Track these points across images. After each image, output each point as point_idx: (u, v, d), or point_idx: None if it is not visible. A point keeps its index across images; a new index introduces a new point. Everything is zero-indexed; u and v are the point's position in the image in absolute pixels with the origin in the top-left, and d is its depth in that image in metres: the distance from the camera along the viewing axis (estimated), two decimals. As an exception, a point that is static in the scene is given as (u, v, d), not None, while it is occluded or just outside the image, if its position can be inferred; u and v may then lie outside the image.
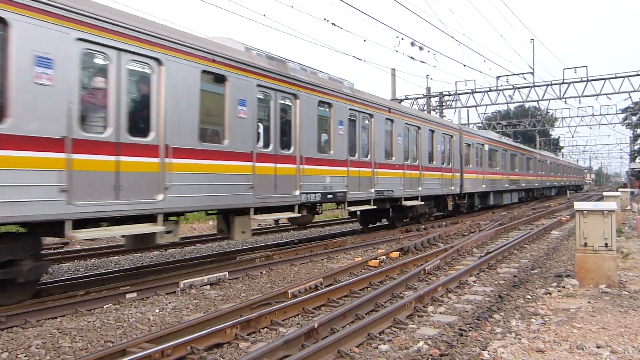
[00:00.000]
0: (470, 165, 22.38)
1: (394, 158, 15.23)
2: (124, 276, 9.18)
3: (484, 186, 23.83)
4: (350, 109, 13.10)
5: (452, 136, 20.40)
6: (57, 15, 6.62)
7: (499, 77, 32.68)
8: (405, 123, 16.18)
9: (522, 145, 38.26)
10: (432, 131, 18.39)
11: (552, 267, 9.95)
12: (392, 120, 15.32)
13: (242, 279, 9.09)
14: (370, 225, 17.59)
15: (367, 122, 14.08)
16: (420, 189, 16.89)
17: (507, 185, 28.53)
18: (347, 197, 12.86)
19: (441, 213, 20.92)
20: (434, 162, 18.35)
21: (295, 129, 11.13)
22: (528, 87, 32.17)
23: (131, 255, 12.36)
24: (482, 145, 24.37)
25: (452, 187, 19.93)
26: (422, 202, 17.15)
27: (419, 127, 17.14)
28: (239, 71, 9.54)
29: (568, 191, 56.35)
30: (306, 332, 5.32)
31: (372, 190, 13.80)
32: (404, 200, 15.81)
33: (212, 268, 9.79)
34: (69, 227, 6.83)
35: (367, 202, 13.91)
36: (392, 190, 14.89)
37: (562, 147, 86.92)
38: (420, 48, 23.03)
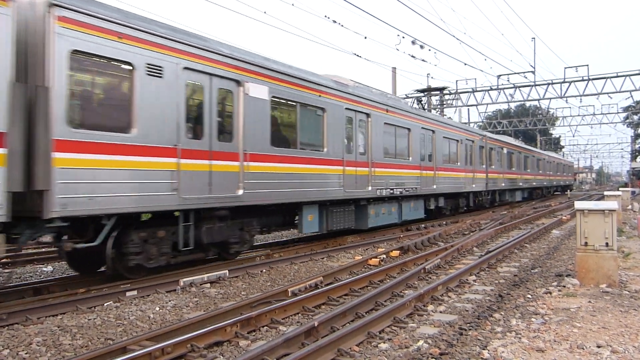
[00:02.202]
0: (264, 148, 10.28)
1: None
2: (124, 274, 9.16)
3: (315, 189, 11.57)
4: None
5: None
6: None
7: (500, 75, 32.75)
8: None
9: (455, 123, 23.68)
10: None
11: (553, 267, 9.95)
12: None
13: (243, 278, 9.10)
14: None
15: None
16: None
17: (397, 187, 15.45)
18: None
19: None
20: None
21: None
22: (529, 86, 32.18)
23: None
24: (294, 103, 11.15)
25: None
26: None
27: None
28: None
29: (567, 191, 55.99)
30: (306, 331, 5.33)
31: None
32: None
33: (213, 266, 9.80)
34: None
35: None
36: None
37: (563, 147, 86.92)
38: (421, 46, 22.95)
